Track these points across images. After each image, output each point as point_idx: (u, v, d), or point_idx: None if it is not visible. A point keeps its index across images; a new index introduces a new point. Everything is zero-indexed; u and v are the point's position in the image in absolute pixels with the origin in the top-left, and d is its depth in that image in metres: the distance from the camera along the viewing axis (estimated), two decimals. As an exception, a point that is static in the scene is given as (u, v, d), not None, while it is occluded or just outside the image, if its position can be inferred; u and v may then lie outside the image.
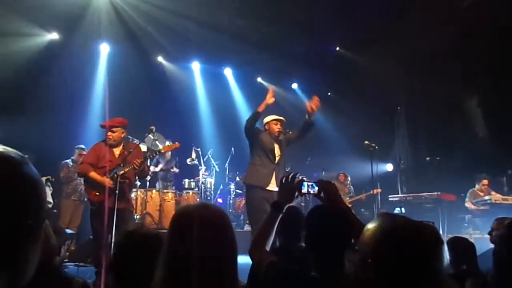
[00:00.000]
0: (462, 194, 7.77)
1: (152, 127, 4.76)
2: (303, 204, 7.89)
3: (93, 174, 4.49)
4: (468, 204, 7.41)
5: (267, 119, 5.25)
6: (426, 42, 7.72)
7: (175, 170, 8.43)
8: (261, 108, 5.03)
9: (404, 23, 7.56)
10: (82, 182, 6.42)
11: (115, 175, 4.32)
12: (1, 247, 0.67)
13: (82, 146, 7.07)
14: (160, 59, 9.37)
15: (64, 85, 7.76)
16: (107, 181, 4.36)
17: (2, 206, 0.67)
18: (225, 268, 1.15)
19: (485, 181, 7.57)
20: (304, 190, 1.91)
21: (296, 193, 1.91)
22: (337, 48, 9.38)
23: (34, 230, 0.72)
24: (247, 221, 7.82)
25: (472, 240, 2.88)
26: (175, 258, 1.11)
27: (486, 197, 7.13)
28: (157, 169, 8.32)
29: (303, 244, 1.83)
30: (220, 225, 1.19)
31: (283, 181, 1.94)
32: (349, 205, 5.09)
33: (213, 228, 1.16)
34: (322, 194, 1.89)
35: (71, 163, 7.06)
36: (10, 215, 0.68)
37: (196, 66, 9.91)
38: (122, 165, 4.40)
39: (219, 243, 1.15)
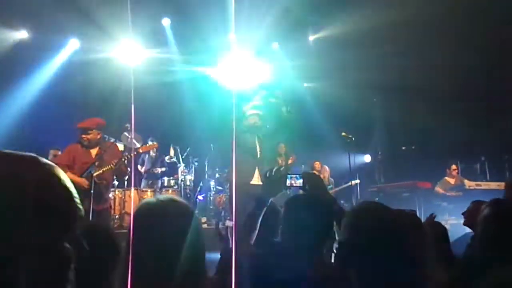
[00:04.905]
0: (438, 182, 7.95)
1: (127, 125, 4.67)
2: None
3: (68, 175, 4.36)
4: (437, 188, 7.56)
5: (245, 112, 5.27)
6: (401, 32, 7.79)
7: (159, 170, 8.32)
8: None
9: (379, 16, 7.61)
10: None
11: (90, 175, 4.22)
12: None
13: (57, 147, 6.86)
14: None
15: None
16: (83, 181, 4.25)
17: None
18: (191, 262, 1.12)
19: (454, 166, 7.70)
20: (289, 183, 1.91)
21: (281, 186, 1.92)
22: (311, 38, 9.30)
23: None
24: (228, 217, 7.81)
25: (447, 226, 2.94)
26: (137, 254, 1.08)
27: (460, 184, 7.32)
28: (142, 170, 8.21)
29: (280, 236, 1.84)
30: (184, 219, 1.16)
31: (267, 175, 1.93)
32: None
33: (177, 222, 1.13)
34: (306, 186, 1.90)
35: None
36: None
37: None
38: (96, 164, 4.31)
39: (183, 237, 1.12)
